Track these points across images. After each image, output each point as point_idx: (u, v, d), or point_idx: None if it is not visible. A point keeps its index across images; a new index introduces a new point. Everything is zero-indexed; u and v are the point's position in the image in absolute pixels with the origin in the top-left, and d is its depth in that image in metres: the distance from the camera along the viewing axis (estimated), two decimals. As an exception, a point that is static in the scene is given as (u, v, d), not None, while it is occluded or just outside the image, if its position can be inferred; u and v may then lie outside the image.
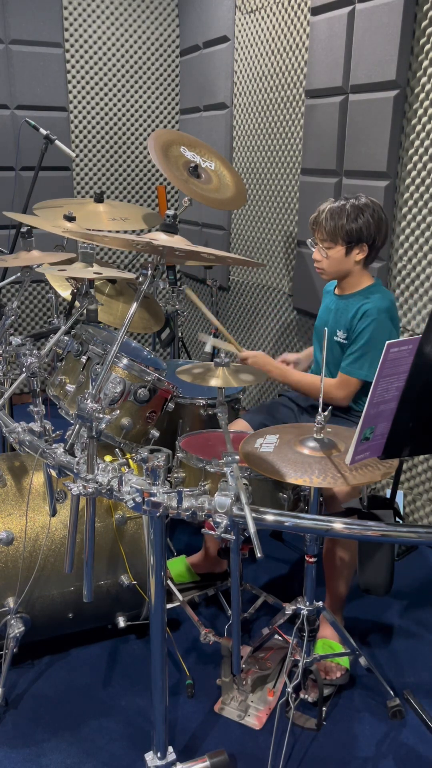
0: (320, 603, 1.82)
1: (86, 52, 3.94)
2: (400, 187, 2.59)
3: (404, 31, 2.40)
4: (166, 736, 1.58)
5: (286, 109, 3.16)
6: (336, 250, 2.16)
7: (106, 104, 4.08)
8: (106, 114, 4.10)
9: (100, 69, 4.01)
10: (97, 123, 4.09)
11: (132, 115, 4.17)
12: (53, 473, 1.54)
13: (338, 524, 1.40)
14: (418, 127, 2.47)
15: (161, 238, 1.52)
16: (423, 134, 2.45)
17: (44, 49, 3.78)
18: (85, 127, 4.07)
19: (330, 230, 2.14)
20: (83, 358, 2.09)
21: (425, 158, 2.46)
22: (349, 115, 2.71)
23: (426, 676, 2.07)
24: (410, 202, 2.56)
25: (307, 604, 1.79)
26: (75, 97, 3.99)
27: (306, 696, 1.88)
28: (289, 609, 1.87)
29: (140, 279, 1.51)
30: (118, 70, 4.05)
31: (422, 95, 2.43)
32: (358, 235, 2.13)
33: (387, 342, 1.25)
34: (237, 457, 1.52)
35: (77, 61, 3.94)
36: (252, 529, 1.31)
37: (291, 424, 2.09)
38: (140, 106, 4.17)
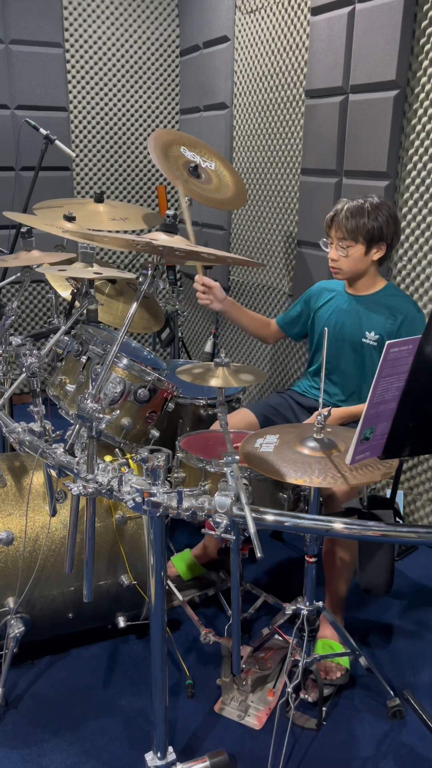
0: (320, 603, 1.82)
1: (86, 52, 3.94)
2: (400, 187, 2.59)
3: (404, 31, 2.40)
4: (166, 736, 1.58)
5: (286, 109, 3.16)
6: (356, 248, 2.15)
7: (106, 104, 4.08)
8: (106, 114, 4.10)
9: (100, 69, 4.01)
10: (97, 123, 4.09)
11: (132, 115, 4.17)
12: (53, 473, 1.54)
13: (338, 524, 1.40)
14: (418, 127, 2.47)
15: (161, 238, 1.52)
16: (423, 134, 2.45)
17: (44, 49, 3.78)
18: (85, 127, 4.07)
19: (351, 228, 2.12)
20: (83, 358, 2.09)
21: (425, 158, 2.46)
22: (349, 115, 2.71)
23: (426, 676, 2.07)
24: (410, 202, 2.56)
25: (307, 604, 1.79)
26: (75, 97, 3.99)
27: (306, 696, 1.88)
28: (289, 609, 1.87)
29: (140, 279, 1.51)
30: (118, 70, 4.05)
31: (422, 95, 2.43)
32: (379, 234, 2.13)
33: (387, 342, 1.25)
34: (237, 457, 1.52)
35: (77, 61, 3.94)
36: (252, 529, 1.31)
37: (291, 424, 2.10)
38: (140, 106, 4.17)
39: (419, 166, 2.49)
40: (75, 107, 4.01)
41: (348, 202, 2.16)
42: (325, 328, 1.75)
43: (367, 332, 2.21)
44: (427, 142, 2.44)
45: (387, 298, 2.22)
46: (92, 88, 4.02)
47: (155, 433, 2.12)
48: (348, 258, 2.17)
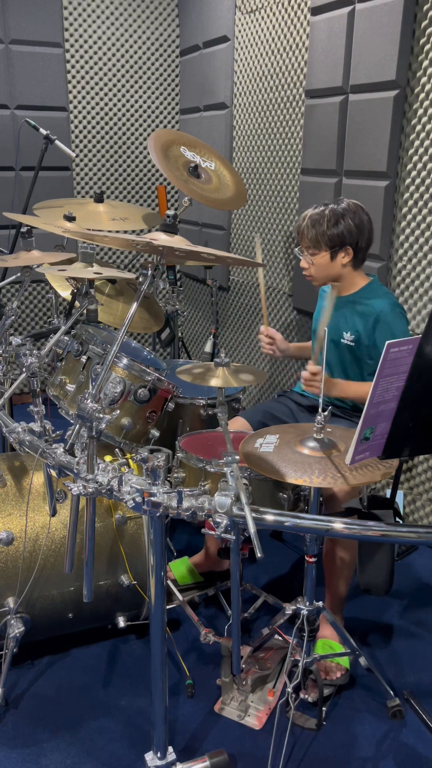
0: (320, 603, 1.82)
1: (86, 52, 3.94)
2: (400, 187, 2.59)
3: (404, 31, 2.39)
4: (166, 736, 1.58)
5: (286, 109, 3.16)
6: (320, 256, 2.20)
7: (106, 104, 4.08)
8: (106, 114, 4.10)
9: (100, 69, 4.01)
10: (97, 123, 4.09)
11: (132, 115, 4.17)
12: (53, 473, 1.54)
13: (338, 524, 1.40)
14: (418, 127, 2.47)
15: (161, 238, 1.52)
16: (423, 134, 2.45)
17: (44, 49, 3.78)
18: (85, 127, 4.07)
19: (312, 237, 2.18)
20: (83, 358, 2.09)
21: (425, 158, 2.46)
22: (349, 115, 2.71)
23: (426, 676, 2.07)
24: (410, 202, 2.56)
25: (307, 604, 1.79)
26: (75, 97, 3.99)
27: (306, 696, 1.88)
28: (289, 609, 1.87)
29: (140, 279, 1.51)
30: (118, 70, 4.05)
31: (422, 95, 2.43)
32: (340, 240, 2.16)
33: (387, 342, 1.25)
34: (237, 457, 1.52)
35: (77, 61, 3.94)
36: (252, 529, 1.31)
37: (291, 424, 2.10)
38: (140, 106, 4.17)
39: (419, 166, 2.49)
40: (75, 107, 4.01)
41: (312, 210, 2.20)
42: (325, 329, 1.75)
43: (344, 333, 2.23)
44: (427, 142, 2.44)
45: (363, 299, 2.23)
46: (92, 88, 4.02)
47: (155, 433, 2.12)
48: (315, 266, 2.22)
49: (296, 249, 2.29)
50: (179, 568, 2.45)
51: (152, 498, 1.38)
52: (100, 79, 4.03)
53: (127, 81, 4.09)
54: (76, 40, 3.90)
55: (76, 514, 1.61)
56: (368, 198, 2.45)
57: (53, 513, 1.85)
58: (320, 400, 1.74)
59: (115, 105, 4.10)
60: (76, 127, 4.04)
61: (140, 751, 1.72)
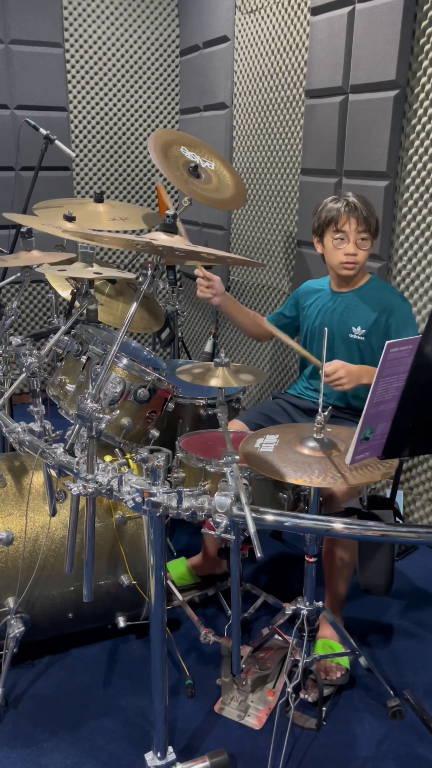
0: (320, 603, 1.82)
1: (86, 52, 3.94)
2: (400, 187, 2.59)
3: (404, 31, 2.40)
4: (166, 736, 1.58)
5: (286, 109, 3.16)
6: (371, 241, 2.18)
7: (106, 104, 4.08)
8: (106, 114, 4.10)
9: (100, 69, 4.01)
10: (97, 123, 4.09)
11: (132, 115, 4.17)
12: (53, 473, 1.54)
13: (338, 524, 1.40)
14: (418, 127, 2.47)
15: (161, 238, 1.52)
16: (423, 134, 2.45)
17: (44, 49, 3.78)
18: (85, 127, 4.07)
19: (369, 221, 2.14)
20: (83, 358, 2.09)
21: (425, 158, 2.46)
22: (349, 115, 2.71)
23: (426, 676, 2.07)
24: (410, 202, 2.56)
25: (307, 604, 1.79)
26: (75, 97, 3.99)
27: (306, 696, 1.88)
28: (289, 609, 1.87)
29: (140, 279, 1.50)
30: (118, 70, 4.05)
31: (422, 95, 2.43)
32: (379, 227, 2.18)
33: (387, 342, 1.25)
34: (237, 457, 1.52)
35: (77, 61, 3.94)
36: (252, 529, 1.31)
37: (290, 424, 2.10)
38: (140, 106, 4.17)
39: (419, 166, 2.49)
40: (75, 107, 4.01)
41: (352, 195, 2.16)
42: (325, 329, 1.75)
43: (353, 327, 2.22)
44: (427, 142, 2.44)
45: (372, 291, 2.22)
46: (92, 88, 4.02)
47: (155, 433, 2.12)
48: (366, 251, 2.18)
49: (339, 235, 2.16)
50: (178, 568, 2.45)
51: (152, 498, 1.38)
52: (100, 79, 4.03)
53: (127, 81, 4.09)
54: (76, 40, 3.90)
55: (76, 514, 1.61)
56: (368, 198, 2.45)
57: (53, 513, 1.85)
58: (320, 400, 1.74)
59: (115, 105, 4.10)
60: (76, 127, 4.04)
61: (140, 751, 1.72)
